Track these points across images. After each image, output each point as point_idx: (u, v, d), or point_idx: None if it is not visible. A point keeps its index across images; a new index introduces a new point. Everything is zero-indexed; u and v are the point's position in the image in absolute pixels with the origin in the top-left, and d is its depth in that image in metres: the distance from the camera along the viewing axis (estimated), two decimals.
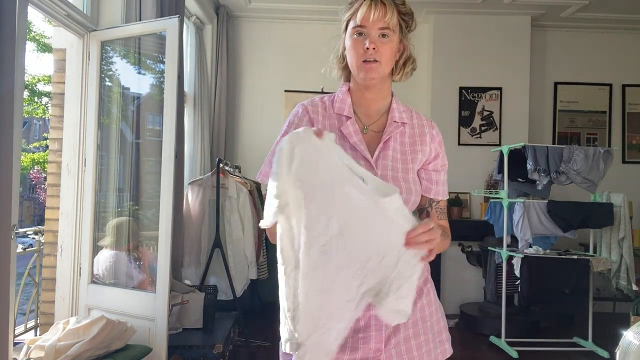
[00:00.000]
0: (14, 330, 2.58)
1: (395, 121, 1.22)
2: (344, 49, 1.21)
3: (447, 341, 1.24)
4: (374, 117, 1.23)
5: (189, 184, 3.65)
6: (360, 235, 0.91)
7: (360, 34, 1.14)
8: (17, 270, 1.79)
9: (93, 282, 2.62)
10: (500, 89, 4.97)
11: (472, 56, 4.94)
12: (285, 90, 5.07)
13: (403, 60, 1.22)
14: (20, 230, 3.24)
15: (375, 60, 1.14)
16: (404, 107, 1.26)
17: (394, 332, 1.14)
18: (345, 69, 1.24)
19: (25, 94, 7.77)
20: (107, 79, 2.81)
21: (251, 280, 3.71)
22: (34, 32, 7.73)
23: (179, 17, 2.48)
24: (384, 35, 1.14)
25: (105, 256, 2.68)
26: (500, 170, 4.01)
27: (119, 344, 2.17)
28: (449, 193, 1.34)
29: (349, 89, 1.25)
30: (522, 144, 3.84)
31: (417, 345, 1.16)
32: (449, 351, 1.24)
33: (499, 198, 4.01)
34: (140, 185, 2.87)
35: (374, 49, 1.13)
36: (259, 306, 4.44)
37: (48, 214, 2.72)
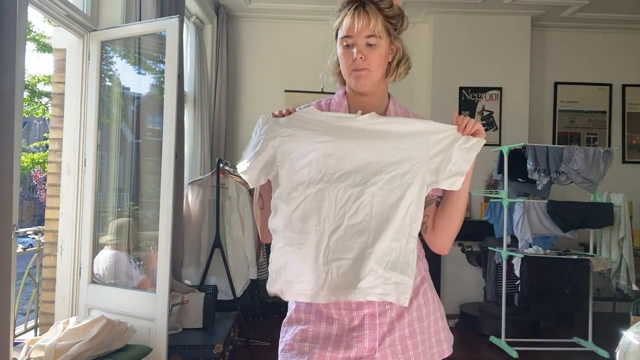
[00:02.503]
0: (14, 330, 2.58)
1: None
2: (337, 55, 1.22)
3: (445, 341, 1.24)
4: None
5: (189, 184, 3.65)
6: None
7: (347, 44, 1.16)
8: (17, 270, 1.79)
9: (93, 282, 2.62)
10: (500, 89, 4.97)
11: (472, 56, 4.94)
12: (285, 90, 5.07)
13: (396, 62, 1.22)
14: (20, 230, 3.24)
15: (365, 68, 1.15)
16: (401, 109, 1.27)
17: (389, 331, 1.15)
18: (340, 74, 1.25)
19: (25, 94, 7.78)
20: (107, 79, 2.81)
21: (251, 280, 3.71)
22: (34, 32, 7.73)
23: (179, 17, 2.48)
24: (370, 44, 1.15)
25: (106, 256, 2.68)
26: (500, 170, 4.01)
27: (119, 344, 2.17)
28: None
29: (345, 92, 1.26)
30: (522, 144, 3.84)
31: (413, 344, 1.16)
32: (447, 351, 1.23)
33: (499, 198, 4.01)
34: (140, 185, 2.87)
35: (361, 58, 1.14)
36: (259, 306, 4.44)
37: (48, 214, 2.72)
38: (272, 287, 1.10)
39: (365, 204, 1.08)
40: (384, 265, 1.07)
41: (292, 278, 1.09)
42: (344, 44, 1.16)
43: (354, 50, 1.15)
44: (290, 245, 1.10)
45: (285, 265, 1.10)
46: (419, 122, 1.15)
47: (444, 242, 1.22)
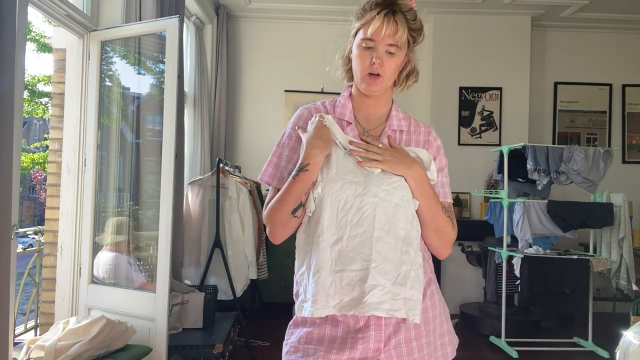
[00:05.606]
0: (14, 330, 2.58)
1: (393, 129, 1.24)
2: (351, 51, 1.22)
3: (449, 344, 1.23)
4: (374, 123, 1.25)
5: (189, 184, 3.65)
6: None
7: (368, 47, 1.16)
8: (17, 270, 1.79)
9: (93, 282, 2.62)
10: (500, 89, 4.97)
11: (472, 56, 4.94)
12: (285, 90, 5.07)
13: (406, 73, 1.24)
14: (20, 230, 3.24)
15: (379, 75, 1.16)
16: (403, 115, 1.27)
17: (395, 332, 1.14)
18: (350, 71, 1.25)
19: (25, 94, 7.78)
20: (107, 79, 2.81)
21: (251, 280, 3.71)
22: (34, 32, 7.75)
23: (179, 17, 2.48)
24: (390, 52, 1.15)
25: (106, 259, 2.68)
26: (500, 170, 4.01)
27: (119, 344, 2.17)
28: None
29: (350, 95, 1.26)
30: (522, 144, 3.84)
31: (419, 347, 1.16)
32: (450, 355, 1.23)
33: (499, 198, 4.01)
34: (140, 185, 2.87)
35: (379, 64, 1.15)
36: (259, 306, 4.45)
37: (48, 214, 2.72)
38: (298, 312, 1.15)
39: (368, 214, 1.08)
40: (393, 280, 1.07)
41: (308, 296, 1.10)
42: (364, 45, 1.16)
43: (374, 54, 1.15)
44: (302, 260, 1.13)
45: (303, 284, 1.12)
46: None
47: (431, 249, 1.23)
